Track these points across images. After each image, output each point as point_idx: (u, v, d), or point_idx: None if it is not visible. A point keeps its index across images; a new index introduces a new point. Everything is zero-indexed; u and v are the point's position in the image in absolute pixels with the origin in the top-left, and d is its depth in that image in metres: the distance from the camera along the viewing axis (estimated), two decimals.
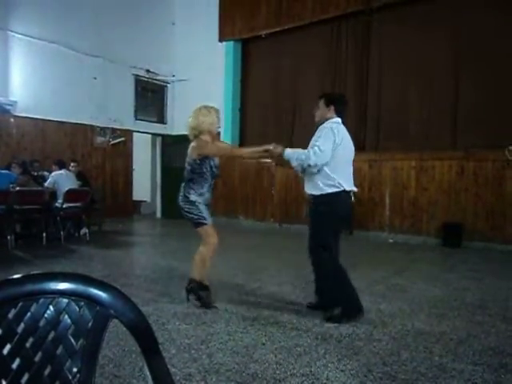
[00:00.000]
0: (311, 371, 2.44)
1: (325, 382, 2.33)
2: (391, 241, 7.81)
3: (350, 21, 8.79)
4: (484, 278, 4.88)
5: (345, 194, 3.37)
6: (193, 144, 3.65)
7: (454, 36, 7.61)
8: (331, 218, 3.38)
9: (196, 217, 3.57)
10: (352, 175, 3.51)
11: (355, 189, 3.49)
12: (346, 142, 3.40)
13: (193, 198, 3.59)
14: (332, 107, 3.47)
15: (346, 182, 3.37)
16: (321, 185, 3.34)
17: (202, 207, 3.59)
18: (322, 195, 3.35)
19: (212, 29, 10.40)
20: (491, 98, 7.19)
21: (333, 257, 3.40)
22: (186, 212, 3.61)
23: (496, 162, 7.00)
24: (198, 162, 3.60)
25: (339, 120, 3.47)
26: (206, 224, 3.57)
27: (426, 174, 7.70)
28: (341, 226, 3.61)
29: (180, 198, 3.68)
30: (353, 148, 3.55)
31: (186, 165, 3.67)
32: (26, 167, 7.41)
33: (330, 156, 3.28)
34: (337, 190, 3.32)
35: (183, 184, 3.69)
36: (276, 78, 9.88)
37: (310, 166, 3.29)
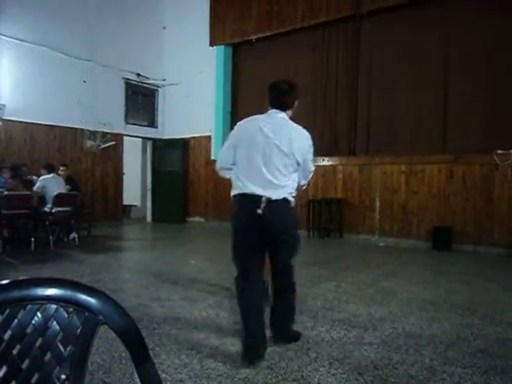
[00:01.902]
0: (302, 375, 2.44)
1: None
2: (381, 244, 7.85)
3: (340, 26, 8.86)
4: (473, 281, 4.93)
5: (242, 197, 2.73)
6: None
7: (443, 41, 7.71)
8: (232, 228, 2.82)
9: None
10: (262, 174, 2.68)
11: (262, 193, 2.65)
12: (248, 137, 2.75)
13: None
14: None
15: (248, 182, 2.71)
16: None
17: None
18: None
19: (203, 33, 10.41)
20: (480, 103, 7.28)
21: (240, 280, 2.77)
22: None
23: (484, 165, 7.09)
24: None
25: (269, 111, 2.84)
26: None
27: (415, 178, 7.77)
28: (246, 240, 2.74)
29: None
30: (265, 140, 2.69)
31: None
32: (17, 171, 7.33)
33: (227, 158, 2.82)
34: (237, 191, 2.78)
35: None
36: (266, 82, 9.83)
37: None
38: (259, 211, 2.64)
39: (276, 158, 2.70)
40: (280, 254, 2.82)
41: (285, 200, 2.72)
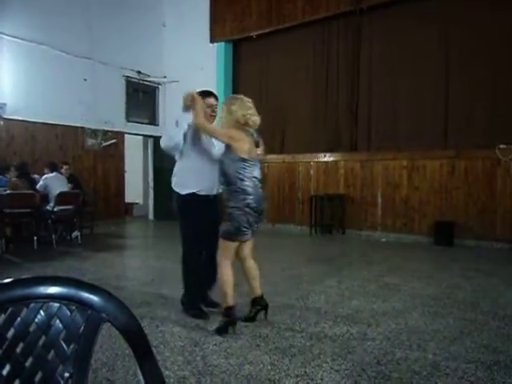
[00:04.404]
0: (306, 372, 2.44)
1: (319, 382, 2.33)
2: (384, 240, 7.84)
3: (340, 21, 8.82)
4: (476, 276, 4.92)
5: None
6: None
7: (444, 35, 7.66)
8: None
9: None
10: None
11: None
12: None
13: None
14: None
15: None
16: None
17: None
18: None
19: (203, 30, 10.39)
20: (481, 97, 7.25)
21: None
22: None
23: (486, 160, 7.06)
24: None
25: None
26: None
27: (417, 173, 7.75)
28: None
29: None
30: None
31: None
32: (24, 170, 7.28)
33: None
34: None
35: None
36: (267, 78, 9.89)
37: None
38: None
39: None
40: None
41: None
